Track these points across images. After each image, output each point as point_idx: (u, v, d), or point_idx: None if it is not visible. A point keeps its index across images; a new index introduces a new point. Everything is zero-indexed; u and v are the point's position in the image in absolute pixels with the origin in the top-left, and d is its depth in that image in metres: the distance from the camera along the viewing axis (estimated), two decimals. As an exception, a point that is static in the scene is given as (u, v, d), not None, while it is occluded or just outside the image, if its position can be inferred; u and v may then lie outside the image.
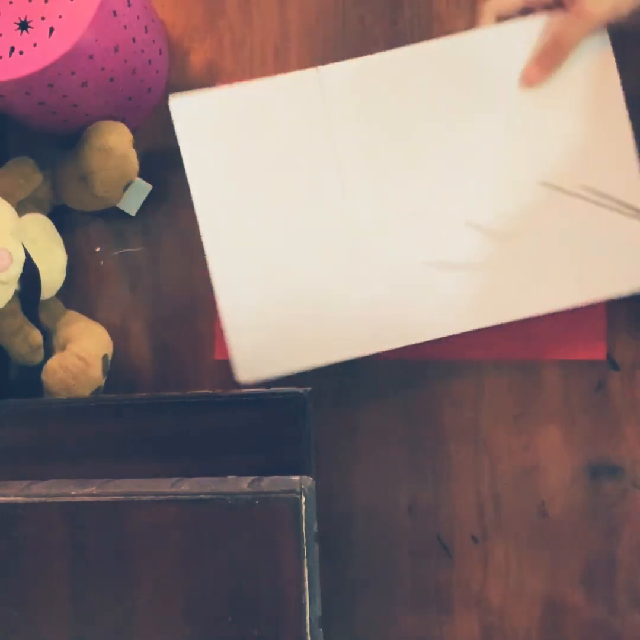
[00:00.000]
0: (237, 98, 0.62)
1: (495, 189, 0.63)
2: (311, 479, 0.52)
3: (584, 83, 0.62)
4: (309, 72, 0.62)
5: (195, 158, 0.63)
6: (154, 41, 0.66)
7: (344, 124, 0.63)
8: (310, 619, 0.49)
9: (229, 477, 0.53)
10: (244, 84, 0.62)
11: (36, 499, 0.52)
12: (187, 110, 0.62)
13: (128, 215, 0.70)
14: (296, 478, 0.51)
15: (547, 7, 0.61)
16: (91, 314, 0.71)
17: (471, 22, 0.68)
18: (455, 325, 0.63)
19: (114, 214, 0.70)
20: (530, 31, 0.61)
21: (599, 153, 0.62)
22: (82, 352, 0.65)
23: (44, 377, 0.65)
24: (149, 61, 0.66)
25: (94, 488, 0.52)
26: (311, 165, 0.63)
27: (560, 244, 0.63)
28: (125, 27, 0.60)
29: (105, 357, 0.66)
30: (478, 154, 0.63)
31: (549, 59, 0.61)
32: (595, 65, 0.61)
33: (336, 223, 0.64)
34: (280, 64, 0.70)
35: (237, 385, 0.63)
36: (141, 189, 0.70)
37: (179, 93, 0.62)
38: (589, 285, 0.62)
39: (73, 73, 0.58)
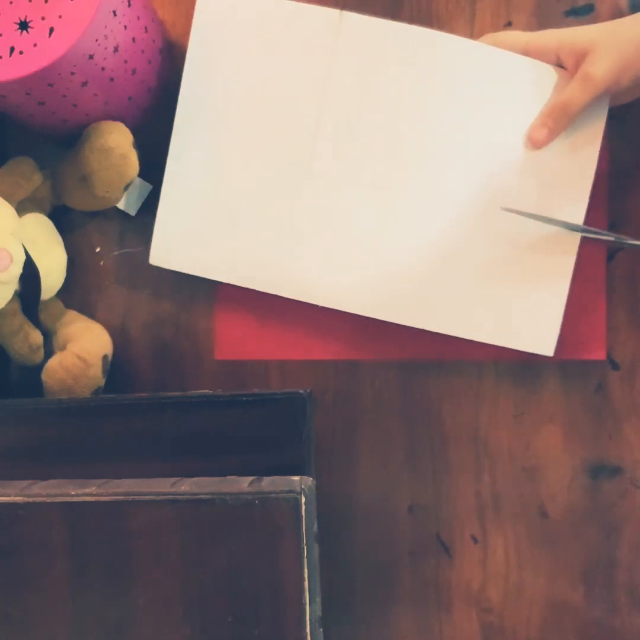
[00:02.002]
0: (260, 8, 0.64)
1: (450, 201, 0.64)
2: (311, 479, 0.52)
3: (570, 130, 0.63)
4: (332, 13, 0.63)
5: (199, 48, 0.65)
6: (154, 41, 0.66)
7: (343, 74, 0.63)
8: (310, 619, 0.49)
9: (229, 477, 0.53)
10: None
11: (36, 499, 0.52)
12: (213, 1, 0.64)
13: (128, 215, 0.70)
14: (296, 478, 0.51)
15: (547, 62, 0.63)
16: (91, 314, 0.71)
17: (471, 22, 0.68)
18: (351, 304, 0.65)
19: (114, 214, 0.70)
20: (536, 73, 0.63)
21: (559, 187, 0.64)
22: (82, 352, 0.65)
23: (44, 377, 0.65)
24: (149, 61, 0.66)
25: (94, 488, 0.52)
26: (296, 100, 0.64)
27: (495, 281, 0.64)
28: (125, 27, 0.60)
29: (105, 357, 0.66)
30: (448, 161, 0.64)
31: (554, 122, 0.62)
32: (585, 120, 0.63)
33: (297, 163, 0.65)
34: (280, 64, 0.70)
35: (238, 385, 0.63)
36: (141, 189, 0.70)
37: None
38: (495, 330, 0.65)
39: (73, 73, 0.58)
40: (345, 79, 0.63)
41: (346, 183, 0.64)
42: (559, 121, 0.62)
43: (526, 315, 0.64)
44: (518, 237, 0.63)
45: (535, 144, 0.63)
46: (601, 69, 0.59)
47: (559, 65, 0.62)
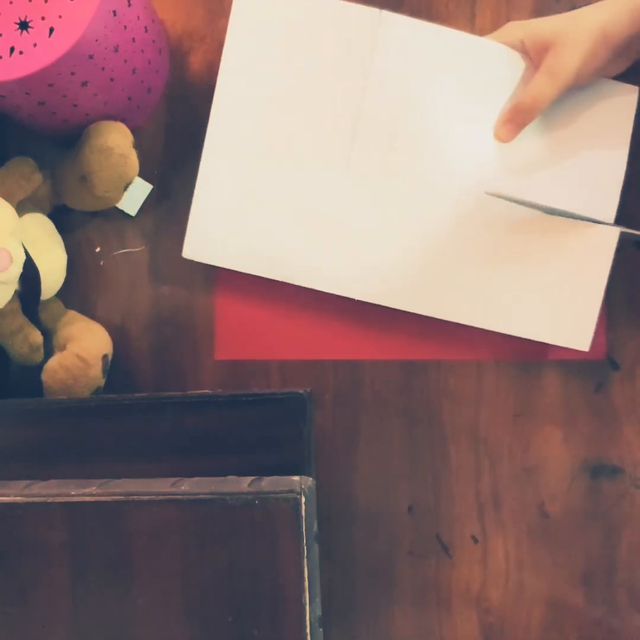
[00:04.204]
0: (297, 5, 0.64)
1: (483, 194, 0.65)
2: (311, 479, 0.52)
3: (597, 118, 0.64)
4: (372, 11, 0.63)
5: (236, 44, 0.65)
6: (154, 41, 0.66)
7: (381, 72, 0.64)
8: (310, 619, 0.49)
9: (229, 477, 0.53)
10: None
11: (36, 499, 0.52)
12: None
13: (128, 215, 0.70)
14: (296, 478, 0.51)
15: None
16: (91, 314, 0.71)
17: (471, 21, 0.68)
18: (386, 299, 0.66)
19: (114, 214, 0.70)
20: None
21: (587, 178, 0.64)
22: (82, 352, 0.65)
23: (44, 377, 0.65)
24: (149, 61, 0.66)
25: (94, 488, 0.52)
26: (333, 96, 0.65)
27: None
28: (125, 27, 0.60)
29: (105, 357, 0.66)
30: (484, 159, 0.64)
31: (522, 118, 0.63)
32: (614, 117, 0.64)
33: (333, 159, 0.65)
34: (280, 64, 0.70)
35: (238, 385, 0.63)
36: (141, 189, 0.70)
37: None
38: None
39: (73, 73, 0.58)
40: (384, 77, 0.64)
41: (382, 179, 0.65)
42: (526, 117, 0.62)
43: (562, 310, 0.64)
44: (555, 233, 0.64)
45: (500, 140, 0.63)
46: (566, 62, 0.59)
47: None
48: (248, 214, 0.66)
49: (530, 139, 0.64)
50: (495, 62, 0.63)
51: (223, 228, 0.67)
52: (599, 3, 0.60)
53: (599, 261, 0.63)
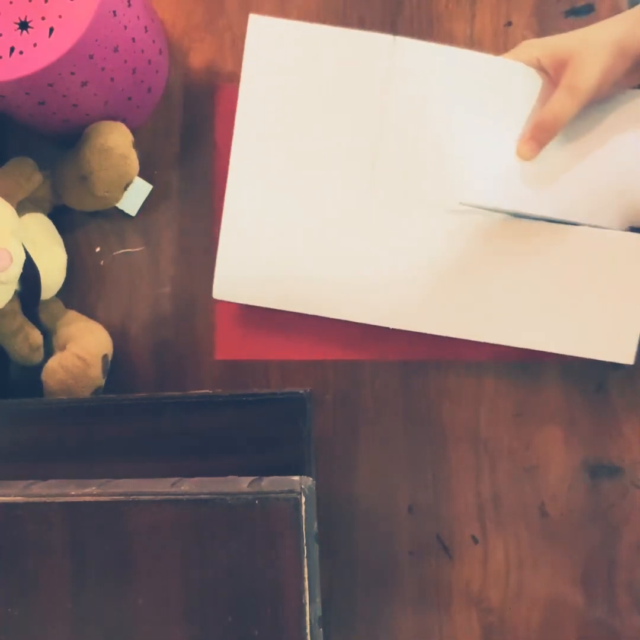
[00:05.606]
0: (311, 36, 0.64)
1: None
2: (311, 479, 0.52)
3: (618, 126, 0.64)
4: (385, 38, 0.63)
5: (252, 77, 0.64)
6: (154, 41, 0.66)
7: (398, 98, 0.64)
8: (310, 619, 0.49)
9: (229, 477, 0.53)
10: (320, 26, 0.64)
11: (36, 499, 0.52)
12: (263, 30, 0.63)
13: (128, 215, 0.71)
14: (296, 478, 0.51)
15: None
16: (91, 314, 0.71)
17: (471, 22, 0.68)
18: (421, 324, 0.66)
19: (114, 214, 0.70)
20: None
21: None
22: (82, 352, 0.65)
23: (44, 377, 0.65)
24: (149, 61, 0.66)
25: (94, 488, 0.52)
26: (352, 125, 0.64)
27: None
28: (125, 27, 0.60)
29: (105, 357, 0.66)
30: (501, 172, 0.64)
31: (545, 136, 0.62)
32: (634, 115, 0.64)
33: (356, 189, 0.65)
34: (280, 64, 0.70)
35: (238, 385, 0.63)
36: (141, 189, 0.70)
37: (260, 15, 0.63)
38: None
39: (73, 73, 0.58)
40: (402, 102, 0.64)
41: (406, 202, 0.64)
42: (548, 135, 0.62)
43: (602, 324, 0.64)
44: (587, 246, 0.63)
45: (523, 158, 0.63)
46: (585, 77, 0.59)
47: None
48: (274, 249, 0.66)
49: (553, 155, 0.64)
50: (513, 81, 0.63)
51: (251, 266, 0.66)
52: (613, 17, 0.61)
53: (637, 272, 0.63)
